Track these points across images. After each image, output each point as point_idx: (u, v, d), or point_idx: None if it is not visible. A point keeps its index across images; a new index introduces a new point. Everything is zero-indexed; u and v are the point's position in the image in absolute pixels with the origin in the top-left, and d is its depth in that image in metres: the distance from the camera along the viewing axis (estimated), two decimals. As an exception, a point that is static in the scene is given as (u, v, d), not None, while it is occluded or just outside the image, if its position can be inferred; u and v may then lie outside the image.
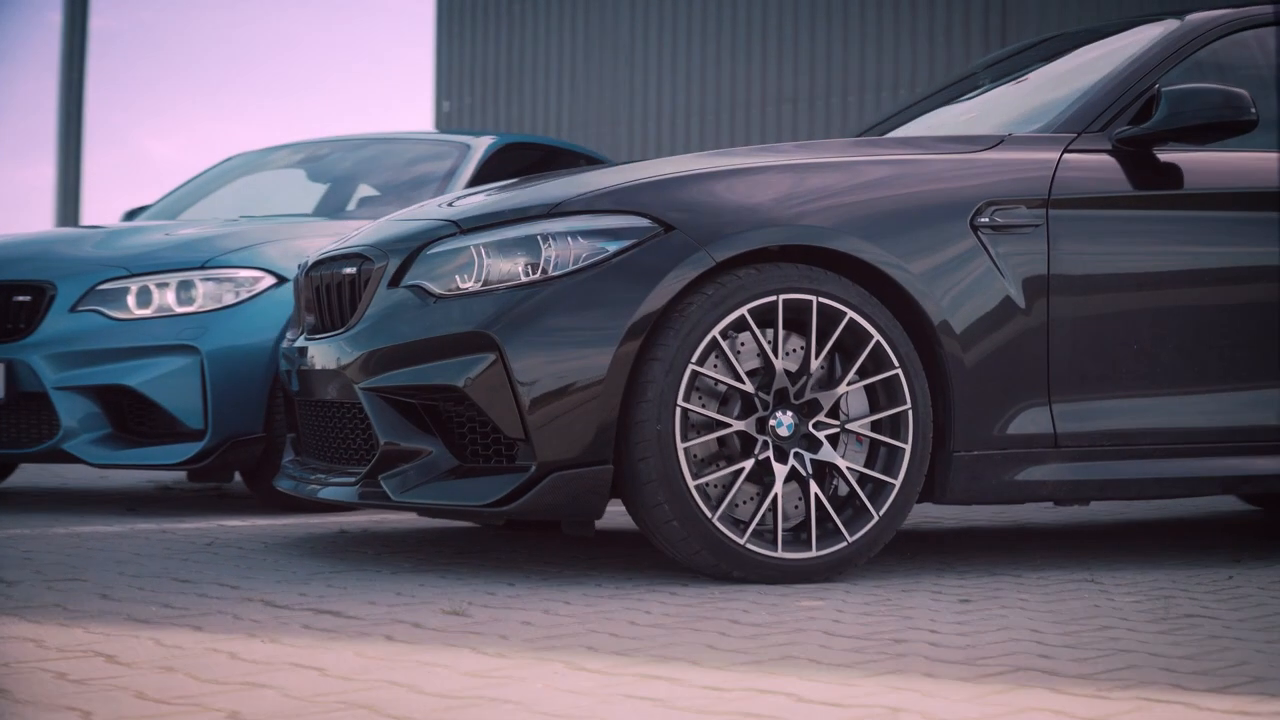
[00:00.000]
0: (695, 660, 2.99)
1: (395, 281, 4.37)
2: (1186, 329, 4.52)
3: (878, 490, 4.23)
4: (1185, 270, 4.56)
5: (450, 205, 4.68)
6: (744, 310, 4.11)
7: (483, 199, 4.55)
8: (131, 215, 8.36)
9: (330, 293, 4.65)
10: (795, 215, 4.20)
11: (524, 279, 4.14)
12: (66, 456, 6.10)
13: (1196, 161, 4.63)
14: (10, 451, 6.16)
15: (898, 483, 4.22)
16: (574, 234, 4.15)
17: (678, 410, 4.04)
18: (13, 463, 7.20)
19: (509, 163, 7.85)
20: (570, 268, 4.11)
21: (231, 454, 6.10)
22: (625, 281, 4.07)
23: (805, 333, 4.20)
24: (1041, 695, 2.67)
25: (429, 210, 4.70)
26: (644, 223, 4.14)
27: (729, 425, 4.12)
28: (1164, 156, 4.61)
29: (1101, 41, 5.17)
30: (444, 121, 18.79)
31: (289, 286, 6.23)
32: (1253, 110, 4.49)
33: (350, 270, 4.55)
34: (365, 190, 7.79)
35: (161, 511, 6.27)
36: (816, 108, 13.90)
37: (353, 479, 4.44)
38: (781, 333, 4.17)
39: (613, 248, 4.11)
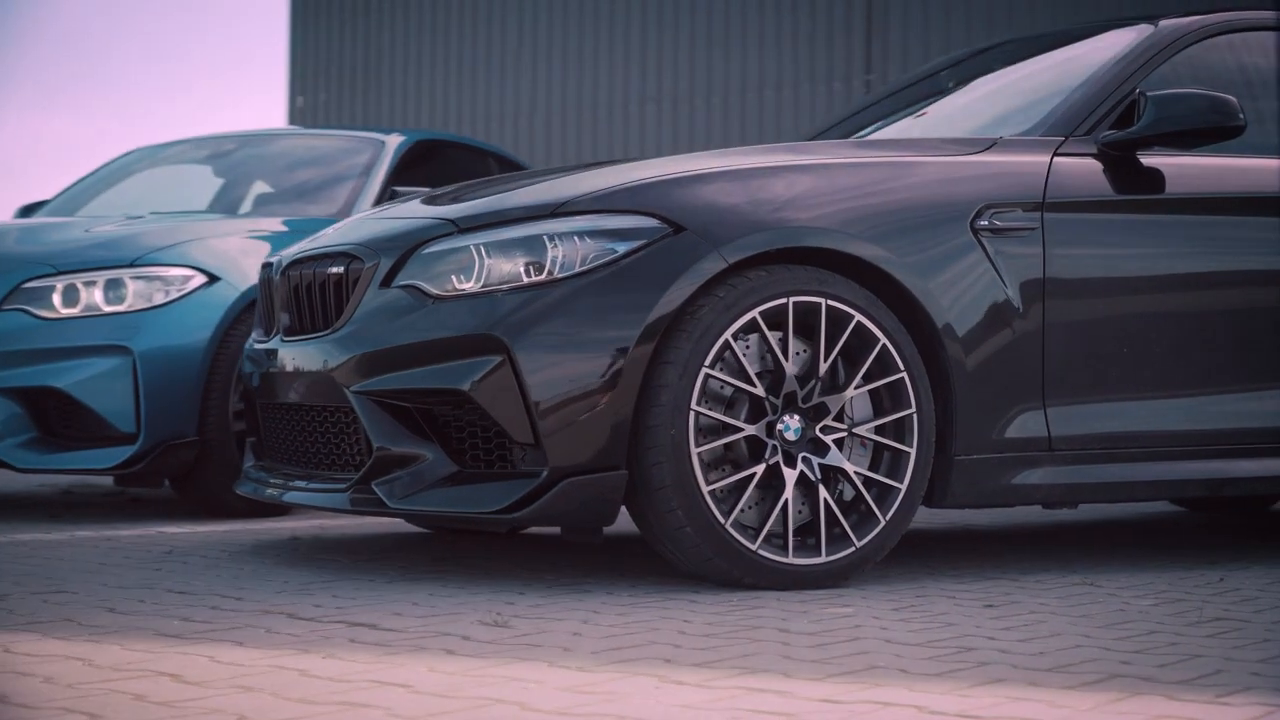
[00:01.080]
0: (784, 672, 2.93)
1: (387, 281, 4.25)
2: (1175, 333, 4.54)
3: (883, 494, 4.20)
4: (1173, 275, 4.59)
5: (440, 204, 4.57)
6: (756, 313, 4.06)
7: (479, 198, 4.44)
8: (28, 211, 8.07)
9: (312, 293, 4.50)
10: (806, 217, 4.15)
11: (527, 280, 4.05)
12: (-8, 461, 5.86)
13: (1179, 166, 4.66)
14: (-70, 456, 5.90)
15: (903, 487, 4.19)
16: (581, 234, 4.06)
17: (691, 414, 3.97)
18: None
19: (421, 160, 7.71)
20: (578, 269, 4.02)
21: (164, 459, 5.90)
22: (637, 283, 3.99)
23: (812, 335, 4.15)
24: (1164, 704, 2.65)
25: (417, 208, 4.58)
26: (653, 223, 4.07)
27: (740, 429, 4.06)
28: (1148, 161, 4.64)
29: (1072, 45, 5.20)
30: (298, 118, 18.50)
31: (222, 285, 6.05)
32: (1241, 116, 4.53)
33: (336, 269, 4.41)
34: (269, 187, 7.59)
35: (84, 518, 6.04)
36: (697, 106, 13.88)
37: (342, 485, 4.30)
38: (791, 336, 4.13)
39: (622, 248, 4.03)
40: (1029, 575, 4.46)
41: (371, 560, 4.69)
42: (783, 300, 4.09)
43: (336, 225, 4.88)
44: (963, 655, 3.12)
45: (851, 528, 4.15)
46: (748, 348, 4.12)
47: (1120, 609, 3.79)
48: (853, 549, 4.13)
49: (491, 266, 4.10)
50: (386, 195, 7.22)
